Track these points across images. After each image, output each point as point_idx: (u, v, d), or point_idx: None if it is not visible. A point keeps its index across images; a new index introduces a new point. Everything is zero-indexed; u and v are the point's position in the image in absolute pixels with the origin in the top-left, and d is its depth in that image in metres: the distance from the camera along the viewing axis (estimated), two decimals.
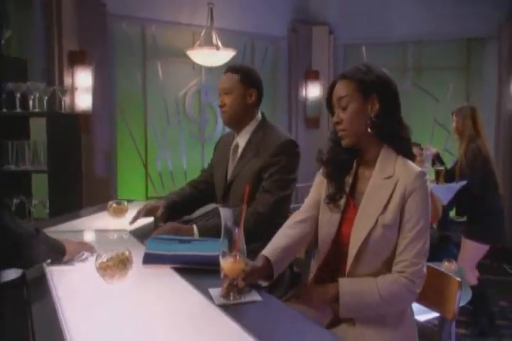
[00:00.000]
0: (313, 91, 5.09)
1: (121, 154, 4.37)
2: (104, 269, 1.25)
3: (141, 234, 1.87)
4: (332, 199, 1.40)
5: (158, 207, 1.90)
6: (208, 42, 4.17)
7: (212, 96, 4.79)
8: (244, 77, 1.89)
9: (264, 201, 1.77)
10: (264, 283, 1.31)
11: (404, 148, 1.37)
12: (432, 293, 1.40)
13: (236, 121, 1.93)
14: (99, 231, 1.91)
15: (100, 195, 3.98)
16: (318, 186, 1.48)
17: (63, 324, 1.03)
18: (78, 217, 2.23)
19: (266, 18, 4.92)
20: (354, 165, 1.42)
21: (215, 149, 2.16)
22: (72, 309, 1.11)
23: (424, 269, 1.31)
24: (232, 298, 1.15)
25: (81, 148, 3.20)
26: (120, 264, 1.26)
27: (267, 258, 1.32)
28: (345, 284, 1.30)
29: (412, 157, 1.38)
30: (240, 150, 1.93)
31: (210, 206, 2.19)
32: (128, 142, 4.45)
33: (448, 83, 5.08)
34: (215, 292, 1.20)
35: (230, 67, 1.94)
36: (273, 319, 1.08)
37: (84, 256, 1.49)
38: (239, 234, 1.16)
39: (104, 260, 1.28)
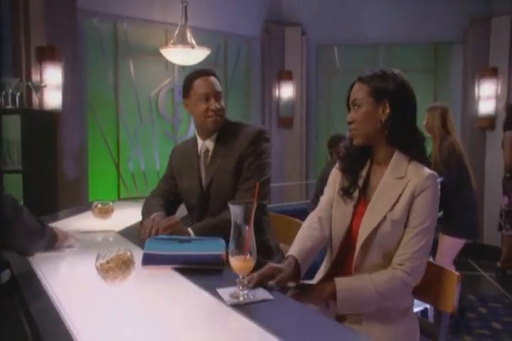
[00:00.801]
0: (286, 91, 5.11)
1: (93, 154, 4.24)
2: (106, 271, 1.19)
3: (129, 235, 1.83)
4: (346, 191, 1.45)
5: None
6: (182, 41, 4.12)
7: None
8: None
9: (247, 189, 1.80)
10: (291, 284, 1.32)
11: (417, 155, 1.40)
12: (431, 288, 1.42)
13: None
14: (86, 233, 1.84)
15: (71, 195, 3.86)
16: (333, 183, 1.53)
17: (70, 328, 0.98)
18: (59, 218, 2.15)
19: (239, 18, 4.90)
20: (368, 162, 1.47)
21: (171, 158, 2.07)
22: (77, 313, 1.06)
23: (424, 266, 1.35)
24: (242, 298, 1.13)
25: (57, 147, 3.08)
26: (123, 265, 1.21)
27: (296, 260, 1.35)
28: (341, 282, 1.32)
29: (426, 163, 1.41)
30: (210, 153, 1.89)
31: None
32: (99, 142, 4.33)
33: (417, 85, 5.15)
34: (225, 292, 1.17)
35: (210, 71, 1.91)
36: (290, 317, 1.06)
37: (71, 243, 1.58)
38: (249, 231, 1.14)
39: (104, 261, 1.22)
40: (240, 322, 1.01)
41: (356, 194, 1.45)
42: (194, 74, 1.87)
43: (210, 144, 1.89)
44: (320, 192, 3.78)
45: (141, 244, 1.60)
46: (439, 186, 1.42)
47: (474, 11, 4.97)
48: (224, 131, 1.88)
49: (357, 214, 1.44)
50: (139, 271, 1.33)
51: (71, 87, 3.87)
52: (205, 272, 1.34)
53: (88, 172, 4.18)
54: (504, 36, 4.85)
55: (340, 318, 1.36)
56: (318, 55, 5.35)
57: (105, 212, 1.98)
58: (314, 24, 5.14)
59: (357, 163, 1.48)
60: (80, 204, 4.01)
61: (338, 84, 5.34)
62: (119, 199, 4.43)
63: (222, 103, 1.86)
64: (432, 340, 1.45)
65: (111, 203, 2.03)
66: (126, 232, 1.87)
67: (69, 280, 1.30)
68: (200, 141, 1.92)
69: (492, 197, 4.79)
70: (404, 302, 1.40)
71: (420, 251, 1.33)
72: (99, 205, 2.00)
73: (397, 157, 1.40)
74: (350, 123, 1.42)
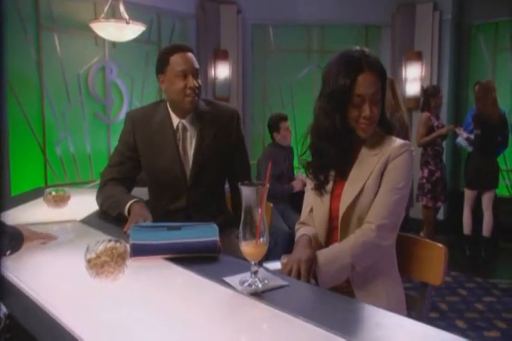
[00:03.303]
0: (222, 70, 4.99)
1: (14, 138, 3.84)
2: (100, 266, 1.06)
3: (94, 223, 1.67)
4: (319, 187, 1.46)
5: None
6: (112, 15, 3.83)
7: (117, 74, 4.44)
8: None
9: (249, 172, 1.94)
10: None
11: (390, 129, 1.46)
12: (419, 262, 1.46)
13: None
14: (44, 224, 1.65)
15: None
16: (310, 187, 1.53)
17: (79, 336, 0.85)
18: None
19: None
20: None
21: (132, 131, 1.84)
22: (79, 320, 0.92)
23: (393, 226, 1.38)
24: (256, 286, 1.07)
25: None
26: (119, 259, 1.08)
27: (311, 239, 1.37)
28: (319, 258, 1.32)
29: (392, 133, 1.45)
30: (193, 133, 1.81)
31: None
32: (21, 124, 3.92)
33: None
34: (233, 280, 1.10)
35: (188, 47, 1.81)
36: (314, 302, 1.03)
37: (42, 241, 1.40)
38: (261, 215, 1.07)
39: (94, 255, 1.09)
40: (270, 312, 0.94)
41: (330, 185, 1.46)
42: (171, 49, 1.77)
43: (188, 122, 1.82)
44: (263, 173, 3.77)
45: (114, 233, 1.46)
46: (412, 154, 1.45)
47: None
48: (201, 109, 1.83)
49: (334, 196, 1.45)
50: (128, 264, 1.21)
51: None
52: (199, 260, 1.25)
53: (9, 158, 3.79)
54: (427, 22, 5.10)
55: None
56: (254, 34, 5.28)
57: (61, 200, 1.78)
58: (249, 3, 5.03)
59: (324, 167, 1.46)
60: (1, 193, 3.65)
61: (273, 64, 5.32)
62: (47, 186, 4.10)
63: (199, 81, 1.77)
64: (414, 312, 1.50)
65: (66, 190, 1.84)
66: (89, 221, 1.70)
67: (51, 282, 1.13)
68: (175, 119, 1.82)
69: (417, 172, 5.10)
70: (391, 275, 1.43)
71: (389, 210, 1.34)
72: (53, 193, 1.79)
73: (374, 134, 1.42)
74: (370, 118, 1.36)
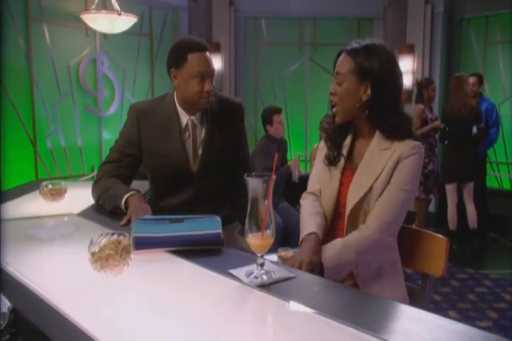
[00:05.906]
0: (214, 63, 4.90)
1: (3, 130, 3.78)
2: (105, 259, 1.04)
3: (92, 217, 1.65)
4: (331, 160, 1.47)
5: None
6: (103, 7, 3.77)
7: (109, 66, 4.38)
8: None
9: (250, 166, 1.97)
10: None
11: (401, 136, 1.38)
12: (421, 254, 1.47)
13: None
14: (42, 218, 1.63)
15: None
16: (321, 157, 1.53)
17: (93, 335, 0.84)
18: None
19: None
20: (352, 133, 1.49)
21: (137, 125, 1.77)
22: (89, 316, 0.91)
23: (396, 223, 1.38)
24: (261, 279, 1.06)
25: None
26: (124, 252, 1.06)
27: (319, 238, 1.35)
28: (324, 253, 1.32)
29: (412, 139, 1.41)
30: (202, 129, 1.77)
31: None
32: (11, 117, 3.87)
33: None
34: (239, 273, 1.09)
35: (207, 45, 1.77)
36: (324, 294, 1.02)
37: None
38: (267, 206, 1.06)
39: (97, 249, 1.07)
40: (279, 304, 0.94)
41: (342, 162, 1.46)
42: (190, 44, 1.68)
43: (197, 119, 1.77)
44: (256, 167, 3.79)
45: (113, 226, 1.45)
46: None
47: None
48: (208, 105, 1.77)
49: (344, 182, 1.45)
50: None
51: None
52: (202, 252, 1.24)
53: (0, 151, 3.74)
54: (419, 15, 5.11)
55: None
56: (246, 27, 5.25)
57: (58, 194, 1.74)
58: None
59: (340, 134, 1.49)
60: None
61: (265, 57, 5.30)
62: (37, 179, 4.05)
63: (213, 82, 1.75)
64: (414, 303, 1.51)
65: (63, 183, 1.80)
66: (87, 214, 1.68)
67: (54, 275, 1.12)
68: (184, 115, 1.77)
69: None
70: (395, 268, 1.44)
71: (393, 209, 1.35)
72: (50, 186, 1.76)
73: (379, 134, 1.40)
74: (332, 94, 1.42)
